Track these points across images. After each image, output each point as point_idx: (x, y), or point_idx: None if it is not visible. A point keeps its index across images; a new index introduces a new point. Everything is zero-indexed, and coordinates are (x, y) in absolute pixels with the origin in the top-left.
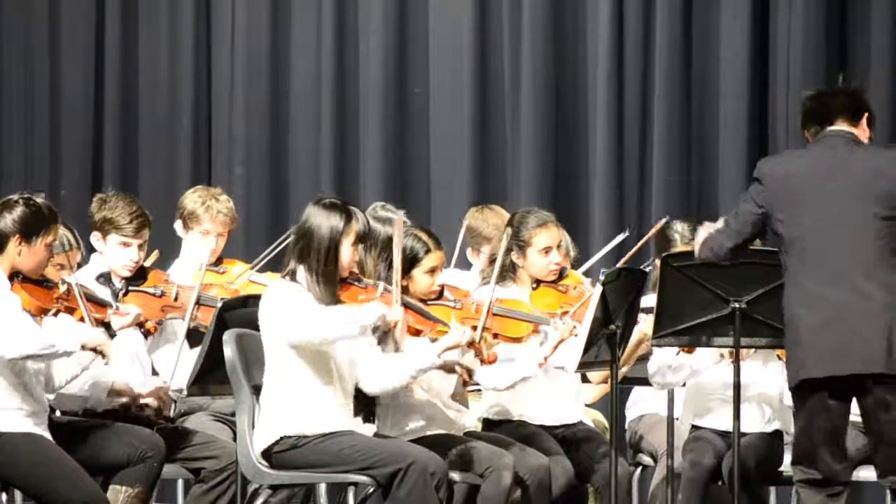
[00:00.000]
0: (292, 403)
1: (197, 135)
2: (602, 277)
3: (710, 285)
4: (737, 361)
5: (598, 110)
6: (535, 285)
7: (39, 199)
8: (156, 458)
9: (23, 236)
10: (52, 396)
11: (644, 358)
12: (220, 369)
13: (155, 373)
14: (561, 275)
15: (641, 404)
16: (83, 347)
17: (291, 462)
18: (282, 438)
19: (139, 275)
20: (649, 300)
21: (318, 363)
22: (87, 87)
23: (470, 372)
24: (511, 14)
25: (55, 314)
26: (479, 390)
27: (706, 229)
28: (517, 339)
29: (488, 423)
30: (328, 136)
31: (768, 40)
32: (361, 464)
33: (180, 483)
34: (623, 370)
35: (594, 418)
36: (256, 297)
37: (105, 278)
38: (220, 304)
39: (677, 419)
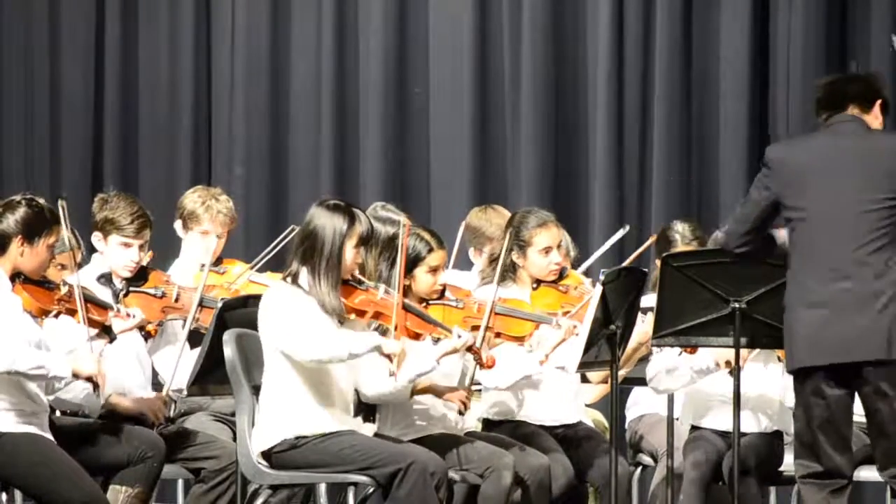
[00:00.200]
0: (292, 403)
1: (197, 135)
2: (602, 277)
3: (710, 285)
4: (737, 360)
5: (598, 110)
6: (535, 285)
7: (60, 201)
8: (156, 458)
9: (25, 237)
10: (51, 397)
11: (645, 359)
12: (220, 369)
13: (155, 374)
14: (561, 275)
15: (641, 404)
16: (76, 376)
17: (291, 462)
18: (282, 439)
19: (140, 275)
20: (649, 300)
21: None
22: (87, 87)
23: (465, 403)
24: (511, 14)
25: (56, 315)
26: (479, 390)
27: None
28: (520, 339)
29: (488, 423)
30: (328, 136)
31: (768, 40)
32: (361, 464)
33: (180, 483)
34: (623, 371)
35: (594, 418)
36: (256, 297)
37: (106, 279)
38: (220, 305)
39: (677, 419)
